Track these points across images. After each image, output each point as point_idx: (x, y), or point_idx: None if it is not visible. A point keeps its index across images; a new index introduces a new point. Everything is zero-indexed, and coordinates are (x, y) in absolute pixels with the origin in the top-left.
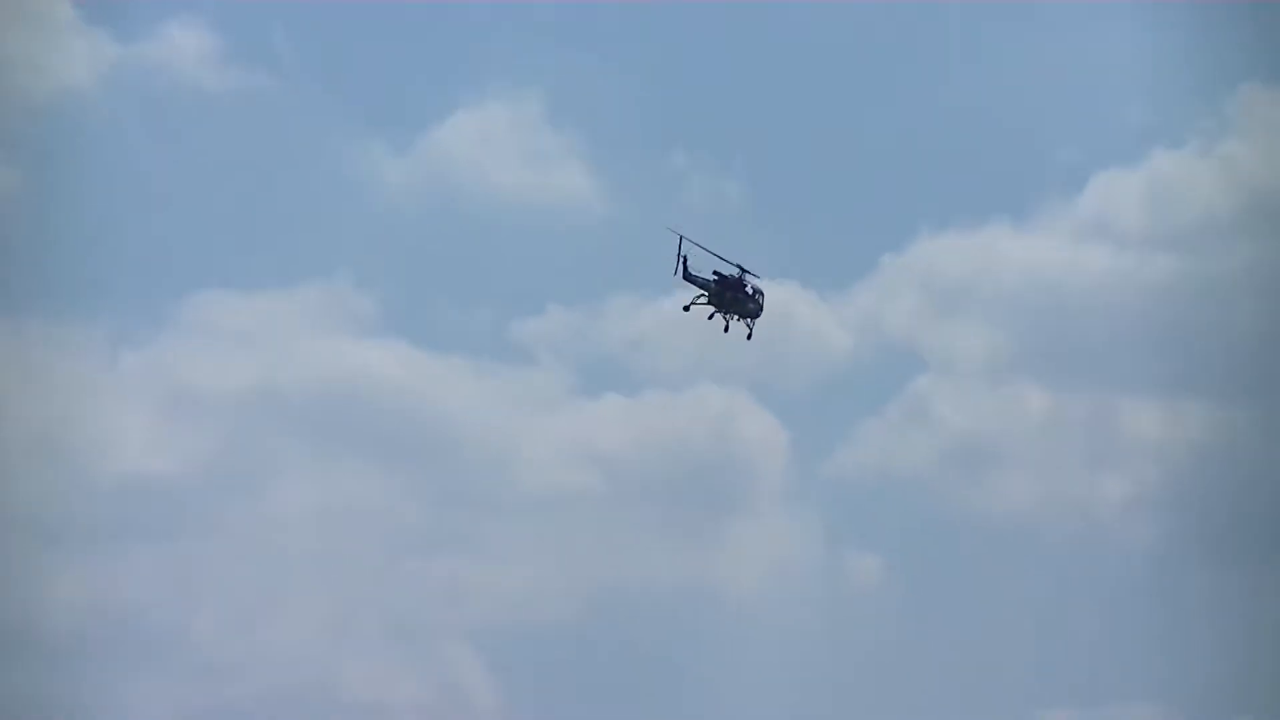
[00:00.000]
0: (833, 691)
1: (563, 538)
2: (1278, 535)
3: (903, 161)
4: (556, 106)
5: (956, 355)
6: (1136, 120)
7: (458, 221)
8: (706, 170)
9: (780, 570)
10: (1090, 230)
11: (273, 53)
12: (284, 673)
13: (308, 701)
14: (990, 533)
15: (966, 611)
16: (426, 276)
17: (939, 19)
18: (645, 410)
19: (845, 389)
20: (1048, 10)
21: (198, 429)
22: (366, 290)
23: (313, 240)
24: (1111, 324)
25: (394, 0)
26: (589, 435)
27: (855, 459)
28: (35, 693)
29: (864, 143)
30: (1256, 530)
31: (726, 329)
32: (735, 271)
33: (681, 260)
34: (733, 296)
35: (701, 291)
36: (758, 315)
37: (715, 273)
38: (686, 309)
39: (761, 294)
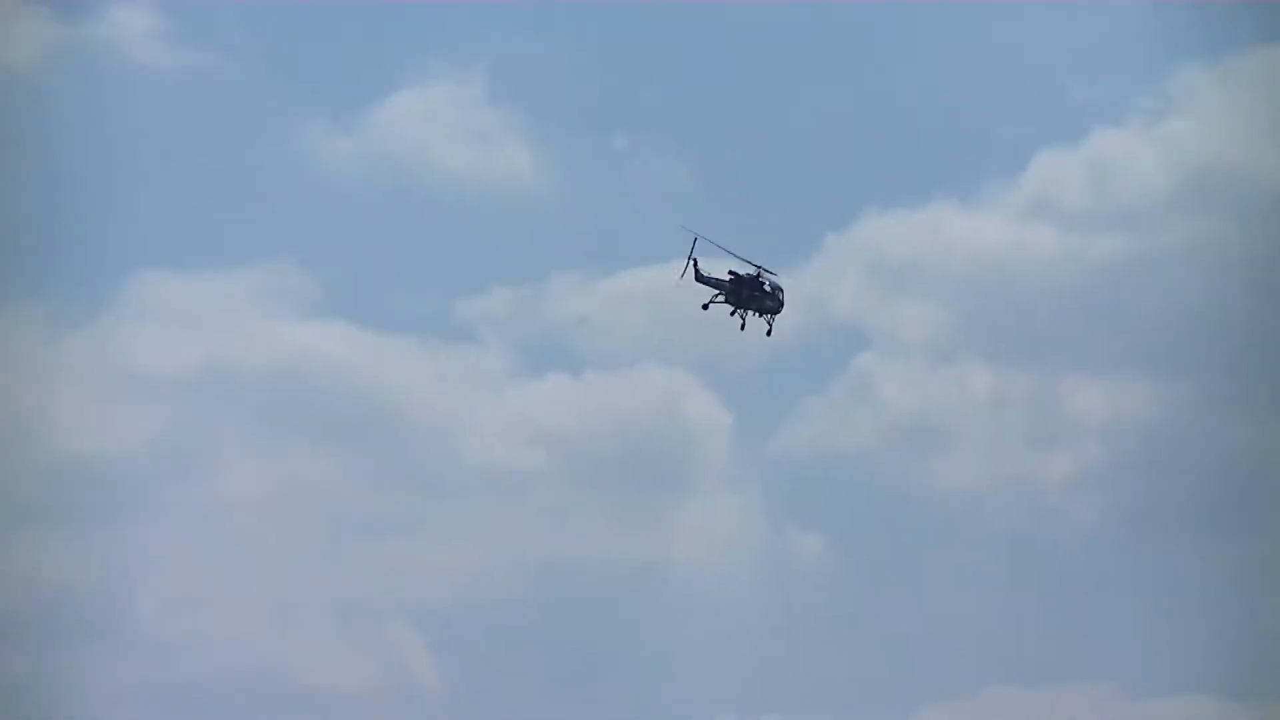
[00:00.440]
0: (777, 669)
1: (508, 517)
2: (1221, 513)
3: (847, 141)
4: (499, 86)
5: (901, 334)
6: (1079, 99)
7: (401, 201)
8: (650, 150)
9: (724, 549)
10: (1034, 209)
11: (217, 32)
12: (230, 654)
13: (254, 683)
14: (934, 511)
15: (910, 590)
16: (370, 256)
17: (885, 2)
18: (589, 389)
19: (789, 368)
20: None
21: (141, 410)
22: (310, 270)
23: (256, 220)
24: (1056, 303)
25: None
26: (533, 414)
27: (799, 438)
28: None
29: (807, 123)
30: (1200, 508)
31: (743, 327)
32: (753, 270)
33: (692, 262)
34: (749, 294)
35: (717, 291)
36: (778, 311)
37: (731, 272)
38: (705, 307)
39: (781, 290)
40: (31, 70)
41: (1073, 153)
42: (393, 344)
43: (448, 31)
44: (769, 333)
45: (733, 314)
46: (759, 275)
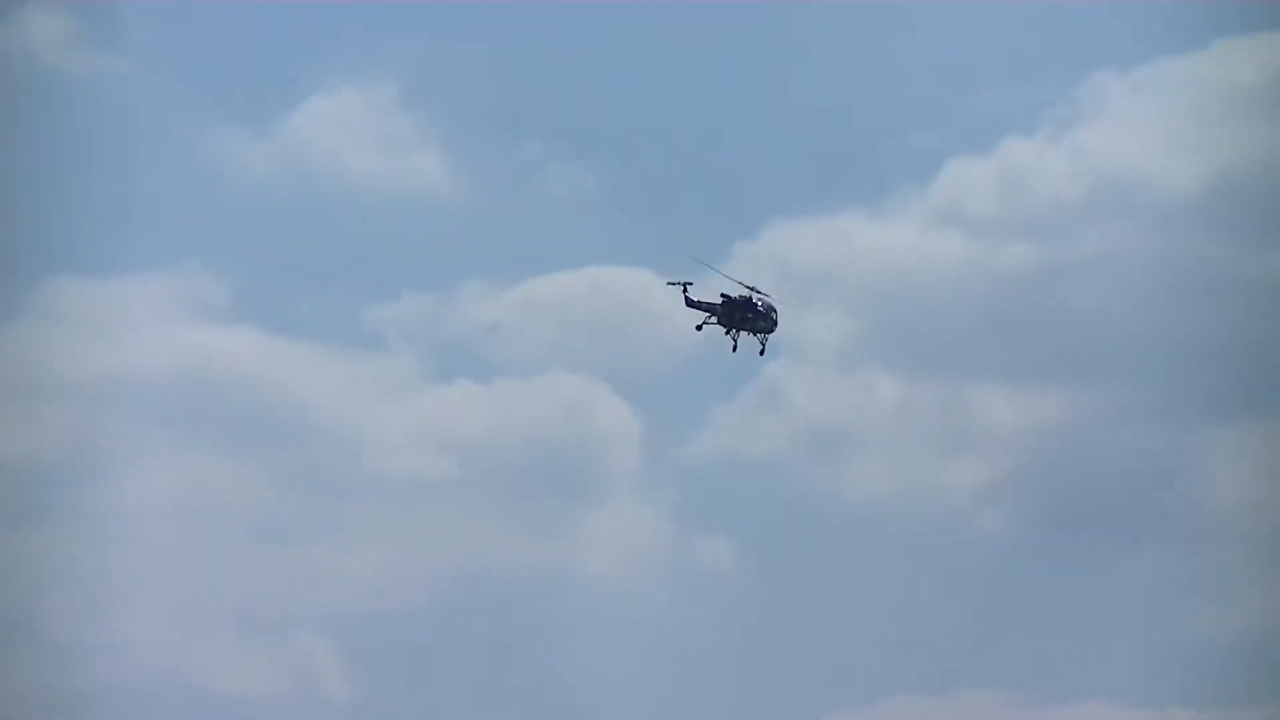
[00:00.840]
0: (685, 677)
1: (416, 525)
2: (1127, 520)
3: (757, 150)
4: (411, 93)
5: (809, 342)
6: (989, 107)
7: (312, 207)
8: (562, 158)
9: (633, 556)
10: (943, 217)
11: (129, 38)
12: (137, 660)
13: (161, 689)
14: (842, 519)
15: (818, 597)
16: (280, 263)
17: (795, 9)
18: (498, 397)
19: (698, 376)
20: None
21: (49, 416)
22: (220, 277)
23: (167, 226)
24: (963, 311)
25: None
26: (442, 422)
27: (708, 445)
28: None
29: (717, 131)
30: (1106, 516)
31: (735, 348)
32: (745, 292)
33: (682, 288)
34: (742, 316)
35: (709, 314)
36: (771, 331)
37: (723, 295)
38: (699, 328)
39: (774, 310)
40: None
41: (983, 161)
42: (302, 350)
43: (360, 38)
44: (762, 352)
45: (726, 334)
46: (751, 297)
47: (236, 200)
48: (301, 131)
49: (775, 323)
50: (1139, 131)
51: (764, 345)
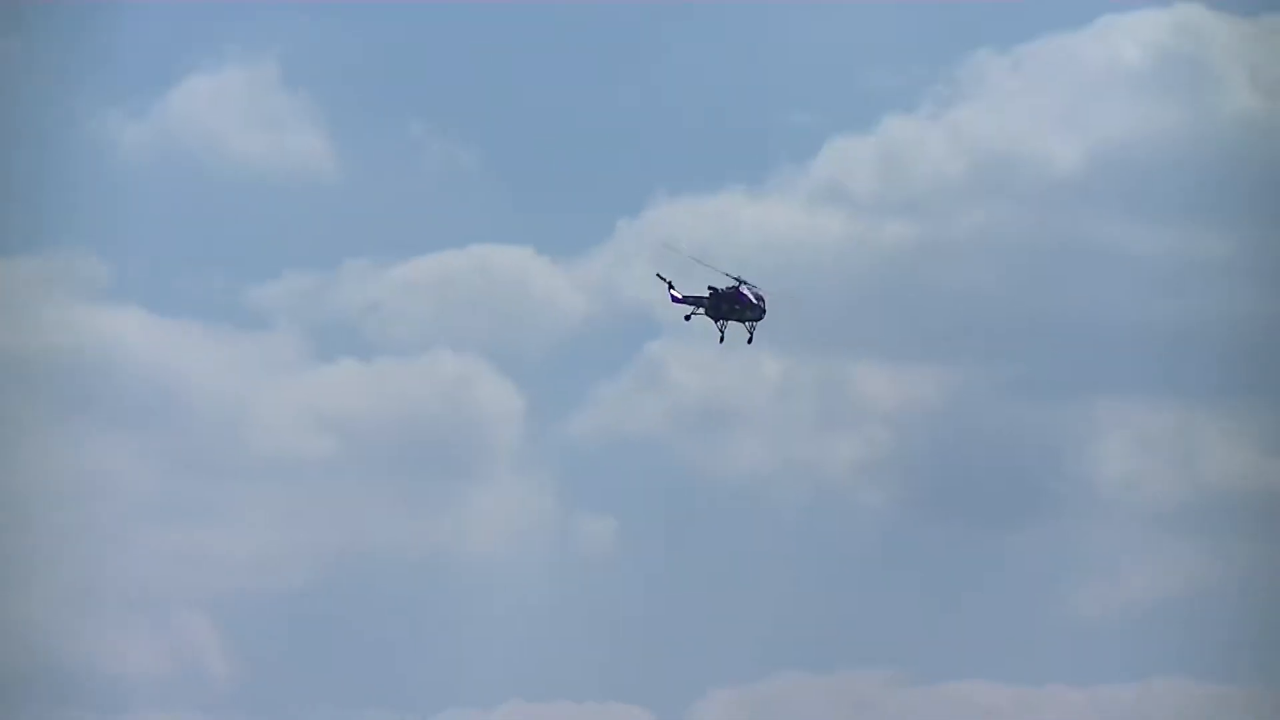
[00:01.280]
0: (567, 654)
1: (299, 504)
2: (1007, 497)
3: (638, 128)
4: (293, 71)
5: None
6: (870, 86)
7: (193, 187)
8: (444, 136)
9: (515, 534)
10: (823, 195)
11: (8, 17)
12: (18, 640)
13: (42, 669)
14: (724, 496)
15: (700, 574)
16: (162, 242)
17: None
18: (381, 375)
19: (581, 353)
20: None
21: None
22: (102, 256)
23: (47, 206)
24: (845, 288)
25: None
26: (324, 401)
27: (591, 423)
28: None
29: (600, 110)
30: (987, 493)
31: (722, 339)
32: (732, 283)
33: (667, 284)
34: (729, 307)
35: (697, 306)
36: (759, 319)
37: (710, 287)
38: (687, 319)
39: (762, 299)
40: None
41: (863, 139)
42: (184, 330)
43: (241, 17)
44: (750, 340)
45: (716, 323)
46: (738, 288)
47: (118, 180)
48: (182, 111)
49: (763, 311)
50: (1019, 109)
51: (752, 333)
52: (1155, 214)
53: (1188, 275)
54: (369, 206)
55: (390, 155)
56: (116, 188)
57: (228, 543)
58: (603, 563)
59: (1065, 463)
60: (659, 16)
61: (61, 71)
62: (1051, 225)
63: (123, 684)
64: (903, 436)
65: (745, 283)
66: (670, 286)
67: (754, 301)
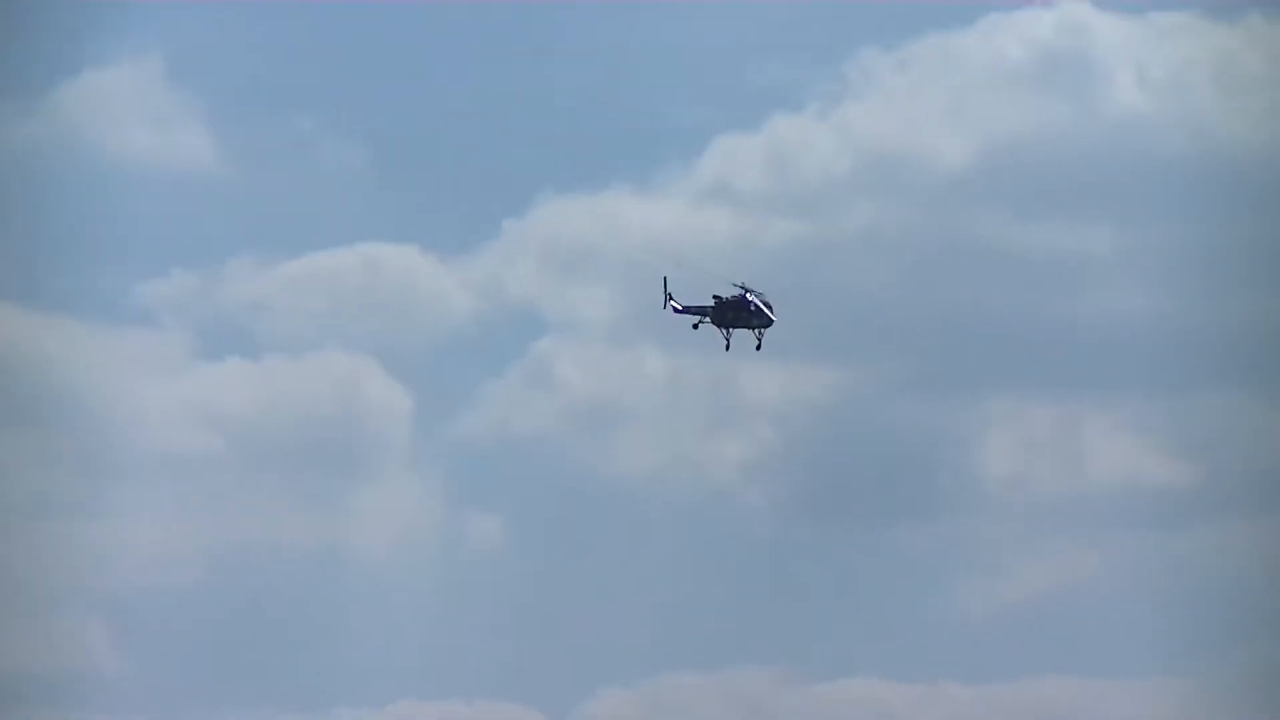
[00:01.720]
0: (456, 654)
1: (186, 502)
2: (896, 496)
3: (525, 126)
4: (179, 68)
5: (578, 318)
6: (757, 83)
7: (78, 184)
8: (331, 134)
9: (404, 533)
10: (710, 194)
11: None
12: None
13: None
14: (612, 495)
15: (588, 574)
16: (47, 238)
17: None
18: (268, 374)
19: (468, 352)
20: None
21: None
22: None
23: None
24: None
25: None
26: (211, 399)
27: (479, 422)
28: None
29: (486, 108)
30: (875, 492)
31: (728, 347)
32: (738, 291)
33: (667, 296)
34: (735, 315)
35: (703, 315)
36: (767, 326)
37: (714, 296)
38: (695, 328)
39: (769, 306)
40: None
41: (750, 137)
42: (70, 327)
43: (127, 13)
44: (758, 347)
45: (721, 330)
46: (744, 296)
47: (2, 177)
48: (68, 107)
49: (770, 318)
50: (906, 107)
51: (760, 340)
52: (1042, 212)
53: (1074, 273)
54: (255, 204)
55: (277, 153)
56: (1, 184)
57: (115, 541)
58: (491, 561)
59: (953, 460)
60: (546, 14)
61: None
62: (939, 223)
63: (12, 682)
64: (790, 435)
65: (750, 290)
66: (670, 297)
67: (757, 310)
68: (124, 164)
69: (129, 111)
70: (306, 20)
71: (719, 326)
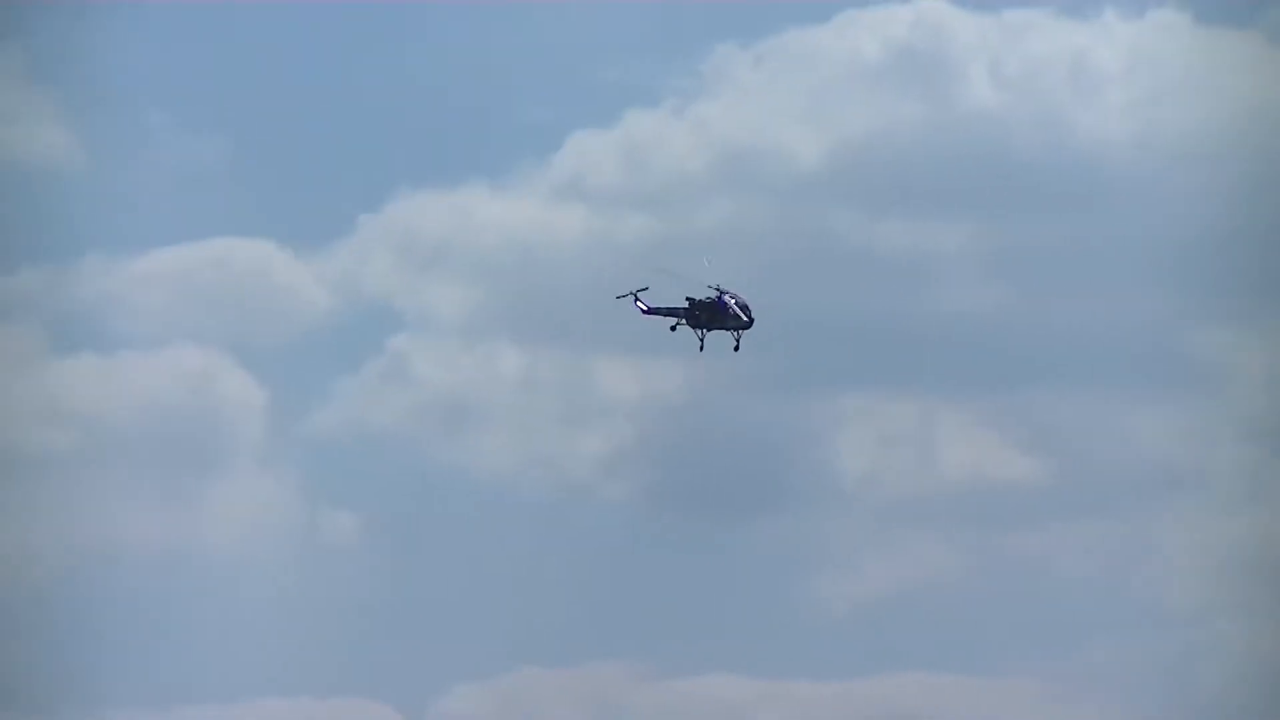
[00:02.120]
0: (311, 650)
1: (38, 500)
2: (750, 492)
3: (379, 122)
4: (33, 61)
5: (434, 314)
6: (611, 80)
7: None
8: (186, 129)
9: (258, 530)
10: (565, 190)
11: None
12: None
13: None
14: (467, 491)
15: (443, 570)
16: None
17: None
18: (121, 369)
19: (323, 347)
20: None
21: None
22: None
23: None
24: (586, 283)
25: None
26: (64, 395)
27: (333, 418)
28: None
29: (343, 103)
30: (730, 487)
31: (701, 348)
32: (713, 294)
33: (632, 297)
34: (709, 317)
35: (679, 318)
36: (746, 328)
37: (688, 298)
38: (673, 329)
39: (746, 307)
40: None
41: (605, 134)
42: None
43: None
44: (736, 348)
45: (696, 331)
46: (720, 298)
47: None
48: None
49: (749, 320)
50: (762, 104)
51: (738, 341)
52: (896, 209)
53: (928, 270)
54: (109, 199)
55: (130, 147)
56: None
57: None
58: (346, 558)
59: (807, 457)
60: (401, 10)
61: None
62: (794, 220)
63: None
64: (645, 431)
65: (725, 291)
66: (636, 299)
67: (736, 311)
68: None
69: None
70: (160, 15)
71: (693, 327)
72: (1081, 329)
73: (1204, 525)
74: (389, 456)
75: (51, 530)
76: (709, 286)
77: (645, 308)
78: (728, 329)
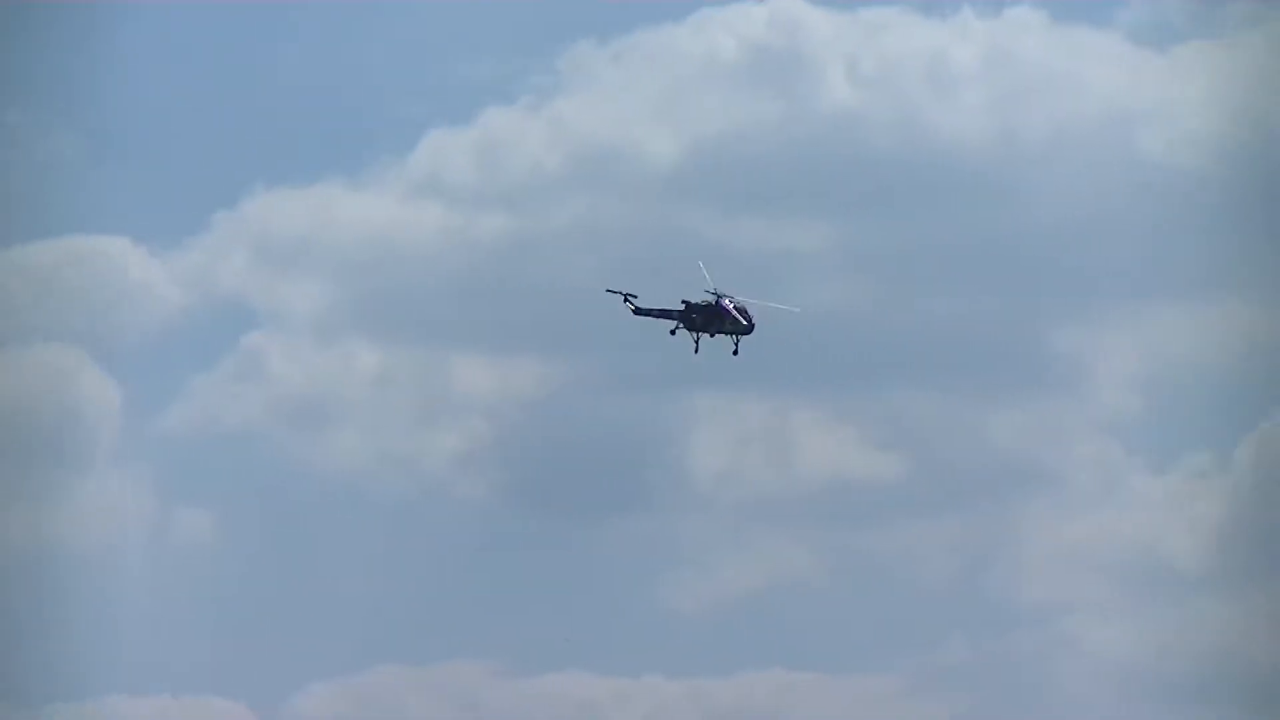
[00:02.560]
0: (166, 648)
1: None
2: (604, 489)
3: (235, 119)
4: None
5: (289, 312)
6: (468, 77)
7: None
8: (41, 126)
9: (112, 527)
10: (421, 188)
11: None
12: None
13: None
14: (323, 489)
15: (299, 567)
16: None
17: None
18: None
19: (178, 345)
20: None
21: None
22: None
23: None
24: (441, 280)
25: None
26: None
27: (189, 415)
28: None
29: (198, 100)
30: (584, 485)
31: (696, 350)
32: (709, 298)
33: (621, 298)
34: (705, 321)
35: (676, 322)
36: (746, 333)
37: (684, 301)
38: (673, 333)
39: (744, 311)
40: None
41: (462, 131)
42: None
43: None
44: (735, 352)
45: (691, 334)
46: (718, 302)
47: None
48: None
49: (750, 324)
50: (619, 101)
51: (737, 345)
52: (752, 207)
53: (782, 268)
54: None
55: None
56: None
57: None
58: (200, 556)
59: (663, 456)
60: (256, 8)
61: None
62: (649, 218)
63: None
64: (500, 428)
65: (724, 296)
66: (626, 299)
67: (736, 316)
68: None
69: None
70: (12, 13)
71: (690, 331)
72: (938, 328)
73: (1058, 523)
74: (244, 454)
75: None
76: (706, 291)
77: (635, 308)
78: (726, 333)
